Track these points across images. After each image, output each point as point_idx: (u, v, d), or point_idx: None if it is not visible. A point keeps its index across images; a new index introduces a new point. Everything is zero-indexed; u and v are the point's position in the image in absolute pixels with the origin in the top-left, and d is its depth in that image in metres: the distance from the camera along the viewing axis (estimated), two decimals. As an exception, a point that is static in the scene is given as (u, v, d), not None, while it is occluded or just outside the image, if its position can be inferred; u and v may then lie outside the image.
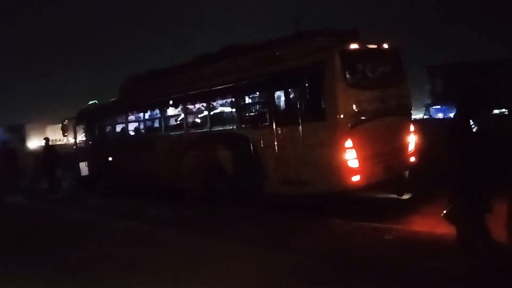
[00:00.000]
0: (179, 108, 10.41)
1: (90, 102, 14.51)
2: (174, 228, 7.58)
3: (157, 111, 11.17)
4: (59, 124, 15.13)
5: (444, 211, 5.09)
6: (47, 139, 15.30)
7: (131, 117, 12.15)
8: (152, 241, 6.94)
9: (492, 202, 4.83)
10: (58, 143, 25.21)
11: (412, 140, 8.23)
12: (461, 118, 4.99)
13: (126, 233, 7.64)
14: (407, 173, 8.24)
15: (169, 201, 10.19)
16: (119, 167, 12.22)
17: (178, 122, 10.60)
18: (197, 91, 9.66)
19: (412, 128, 8.25)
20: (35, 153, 15.04)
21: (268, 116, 8.03)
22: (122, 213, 9.42)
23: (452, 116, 5.27)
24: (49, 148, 14.46)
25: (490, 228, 4.93)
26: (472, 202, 4.83)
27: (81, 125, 14.09)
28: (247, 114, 8.75)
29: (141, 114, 11.67)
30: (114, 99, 13.21)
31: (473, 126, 4.96)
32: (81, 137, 14.27)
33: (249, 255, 5.68)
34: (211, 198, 9.26)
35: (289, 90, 7.93)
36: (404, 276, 4.53)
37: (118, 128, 12.75)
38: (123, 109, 12.36)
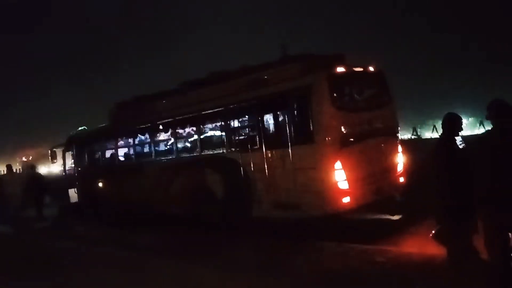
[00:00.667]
0: (168, 133, 10.40)
1: (79, 129, 14.48)
2: (163, 256, 7.45)
3: (146, 136, 11.16)
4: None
5: (433, 232, 5.10)
6: (33, 166, 15.09)
7: (120, 143, 12.12)
8: (142, 269, 6.80)
9: (477, 221, 4.84)
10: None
11: (400, 161, 8.29)
12: (449, 136, 5.07)
13: (116, 262, 7.47)
14: (397, 193, 8.27)
15: (159, 227, 10.06)
16: (109, 194, 12.12)
17: (167, 147, 10.59)
18: (185, 116, 9.70)
19: (400, 148, 8.33)
20: (21, 181, 14.71)
21: (257, 139, 8.07)
22: (112, 241, 9.26)
23: (440, 135, 5.33)
24: (35, 176, 14.26)
25: (477, 247, 4.94)
26: (460, 221, 4.84)
27: (70, 152, 14.01)
28: (236, 138, 8.78)
29: (130, 140, 11.65)
30: (103, 125, 13.20)
31: (460, 143, 5.03)
32: (70, 163, 14.17)
33: (240, 280, 5.61)
34: (201, 223, 9.17)
35: (278, 113, 8.00)
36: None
37: (108, 154, 12.69)
38: (112, 135, 12.34)
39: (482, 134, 4.75)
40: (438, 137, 5.32)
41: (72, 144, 13.86)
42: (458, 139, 5.07)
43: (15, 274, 7.22)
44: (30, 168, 15.23)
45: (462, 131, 5.24)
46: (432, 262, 5.31)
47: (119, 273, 6.64)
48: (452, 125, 5.10)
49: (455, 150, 4.97)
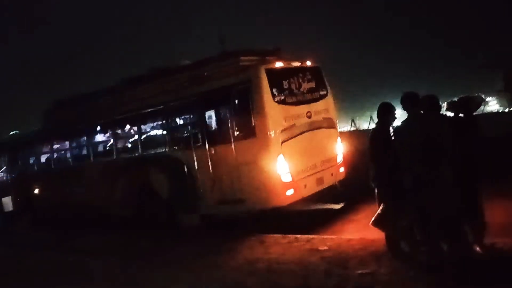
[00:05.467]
0: (108, 133, 10.11)
1: (11, 133, 13.67)
2: (104, 258, 7.25)
3: (84, 137, 10.76)
4: None
5: (373, 218, 5.30)
6: None
7: (58, 145, 11.60)
8: (83, 273, 6.59)
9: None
10: None
11: (340, 152, 8.57)
12: (383, 124, 5.33)
13: (56, 266, 7.18)
14: (339, 183, 8.54)
15: (100, 229, 9.74)
16: (48, 199, 11.56)
17: (108, 148, 10.27)
18: (125, 115, 9.46)
19: (339, 139, 8.60)
20: None
21: (199, 136, 8.03)
22: (53, 245, 8.87)
23: (375, 125, 5.59)
24: None
25: (415, 232, 5.22)
26: (398, 205, 5.08)
27: (1, 158, 13.22)
28: (179, 136, 8.68)
29: (68, 142, 11.18)
30: (38, 128, 12.55)
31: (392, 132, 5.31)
32: (2, 170, 13.38)
33: (183, 277, 5.59)
34: (146, 223, 8.99)
35: (219, 109, 8.00)
36: (336, 284, 4.66)
37: (44, 157, 12.09)
38: (48, 138, 11.76)
39: (400, 124, 5.04)
40: (375, 124, 5.57)
41: (3, 150, 13.07)
42: (391, 128, 5.35)
43: None
44: None
45: (395, 120, 5.52)
46: (372, 247, 5.53)
47: (60, 278, 6.42)
48: (386, 114, 5.36)
49: (389, 136, 5.24)
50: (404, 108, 4.95)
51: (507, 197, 6.67)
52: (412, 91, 5.02)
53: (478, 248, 4.82)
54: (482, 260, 4.67)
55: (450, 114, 5.27)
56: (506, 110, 37.14)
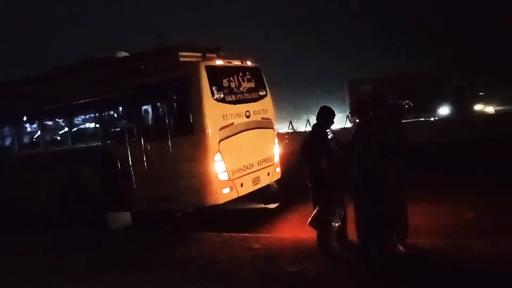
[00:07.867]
0: (35, 124, 9.55)
1: None
2: (27, 257, 6.80)
3: (9, 127, 10.04)
4: None
5: (309, 219, 5.41)
6: None
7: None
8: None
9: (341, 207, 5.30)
10: None
11: (277, 152, 8.69)
12: (319, 128, 5.47)
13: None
14: (274, 183, 8.66)
15: (20, 227, 9.09)
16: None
17: (34, 140, 9.67)
18: (56, 106, 8.95)
19: (276, 140, 8.72)
20: None
21: (135, 131, 7.78)
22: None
23: (312, 127, 5.73)
24: None
25: (346, 231, 5.42)
26: (332, 205, 5.23)
27: None
28: (113, 130, 8.37)
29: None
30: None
31: (329, 133, 5.47)
32: None
33: (111, 278, 5.40)
34: (71, 221, 8.56)
35: (156, 104, 7.80)
36: (266, 282, 4.73)
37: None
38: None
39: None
40: (313, 126, 5.71)
41: None
42: (328, 131, 5.51)
43: None
44: None
45: (333, 124, 5.70)
46: (303, 246, 5.66)
47: None
48: (326, 117, 5.52)
49: (326, 139, 5.40)
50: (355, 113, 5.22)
51: (427, 201, 7.12)
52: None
53: (401, 247, 5.08)
54: (405, 257, 4.93)
55: None
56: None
